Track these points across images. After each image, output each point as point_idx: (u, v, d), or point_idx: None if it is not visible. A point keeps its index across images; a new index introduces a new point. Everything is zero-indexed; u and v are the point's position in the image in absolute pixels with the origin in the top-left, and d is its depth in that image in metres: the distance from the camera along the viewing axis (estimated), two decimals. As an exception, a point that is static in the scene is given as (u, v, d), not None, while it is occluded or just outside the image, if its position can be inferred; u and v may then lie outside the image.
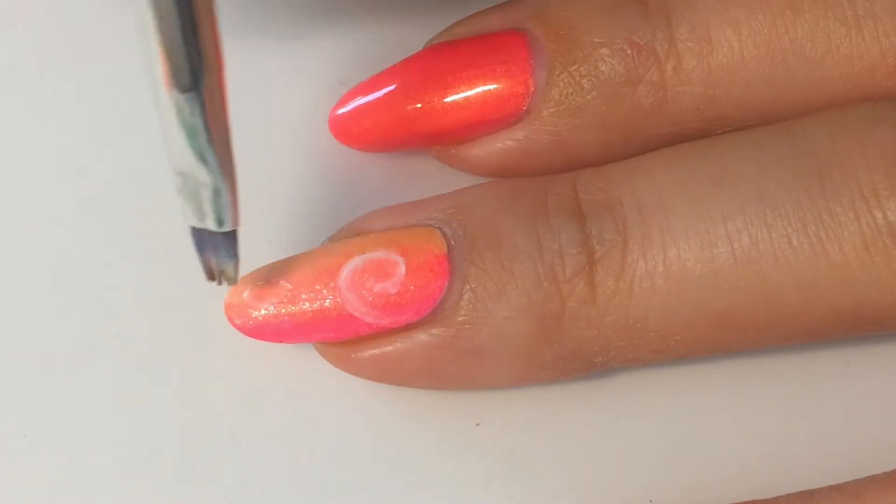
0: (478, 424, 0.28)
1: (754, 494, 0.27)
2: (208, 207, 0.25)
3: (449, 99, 0.28)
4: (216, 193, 0.24)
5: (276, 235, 0.29)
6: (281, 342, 0.27)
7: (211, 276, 0.26)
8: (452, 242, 0.26)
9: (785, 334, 0.27)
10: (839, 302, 0.25)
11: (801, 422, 0.28)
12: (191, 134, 0.23)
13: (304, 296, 0.26)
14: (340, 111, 0.29)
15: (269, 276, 0.27)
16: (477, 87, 0.28)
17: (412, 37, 0.30)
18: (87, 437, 0.28)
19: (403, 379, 0.27)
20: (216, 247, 0.26)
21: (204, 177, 0.24)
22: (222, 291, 0.27)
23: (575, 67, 0.27)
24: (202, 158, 0.23)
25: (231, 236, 0.26)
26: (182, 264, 0.29)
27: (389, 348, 0.27)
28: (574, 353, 0.26)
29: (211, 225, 0.25)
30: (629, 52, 0.27)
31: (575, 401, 0.28)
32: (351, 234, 0.27)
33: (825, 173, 0.25)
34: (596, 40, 0.27)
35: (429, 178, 0.29)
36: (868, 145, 0.25)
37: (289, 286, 0.26)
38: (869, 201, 0.25)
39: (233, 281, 0.26)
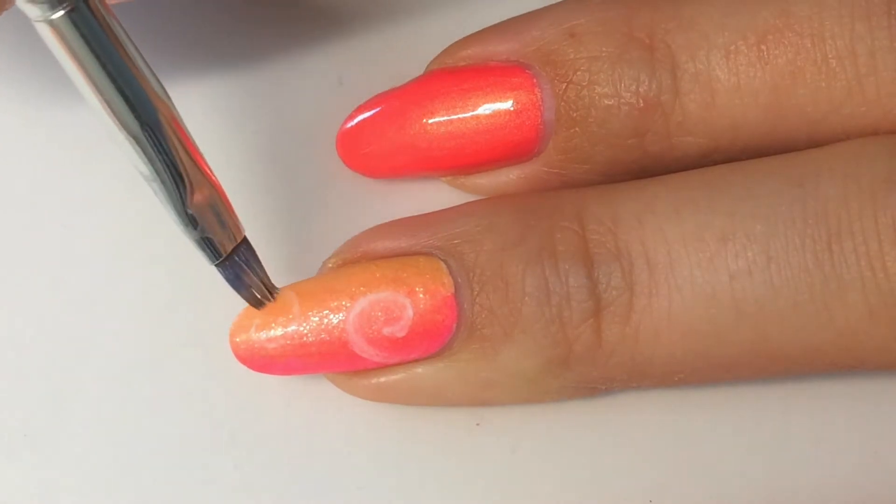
0: (478, 424, 0.28)
1: (754, 495, 0.27)
2: (224, 221, 0.25)
3: (457, 143, 0.28)
4: (223, 203, 0.25)
5: (276, 234, 0.29)
6: (287, 375, 0.27)
7: (257, 300, 0.26)
8: (459, 280, 0.26)
9: (785, 375, 0.27)
10: (841, 361, 0.26)
11: (800, 422, 0.28)
12: (169, 160, 0.24)
13: (310, 337, 0.26)
14: (348, 125, 0.29)
15: (274, 312, 0.27)
16: (486, 131, 0.27)
17: (412, 36, 0.30)
18: (87, 436, 0.28)
19: (409, 402, 0.28)
20: (248, 262, 0.26)
21: (209, 189, 0.25)
22: (222, 291, 0.27)
23: (584, 119, 0.27)
24: (196, 177, 0.25)
25: (246, 244, 0.26)
26: (182, 265, 0.29)
27: (396, 378, 0.27)
28: (578, 384, 0.27)
29: (237, 236, 0.26)
30: (637, 105, 0.27)
31: (575, 401, 0.28)
32: (353, 252, 0.27)
33: (835, 239, 0.25)
34: (604, 91, 0.27)
35: (431, 181, 0.29)
36: (880, 213, 0.25)
37: (294, 326, 0.26)
38: (877, 272, 0.25)
39: (274, 289, 0.26)
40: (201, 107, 0.30)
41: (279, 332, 0.26)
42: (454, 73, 0.28)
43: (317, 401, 0.28)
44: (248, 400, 0.28)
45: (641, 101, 0.27)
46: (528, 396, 0.27)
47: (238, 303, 0.27)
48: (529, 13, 0.28)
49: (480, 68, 0.28)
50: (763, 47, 0.26)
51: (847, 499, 0.27)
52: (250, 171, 0.29)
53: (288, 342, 0.26)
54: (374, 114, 0.28)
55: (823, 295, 0.25)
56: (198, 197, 0.25)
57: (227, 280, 0.26)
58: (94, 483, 0.28)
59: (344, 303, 0.26)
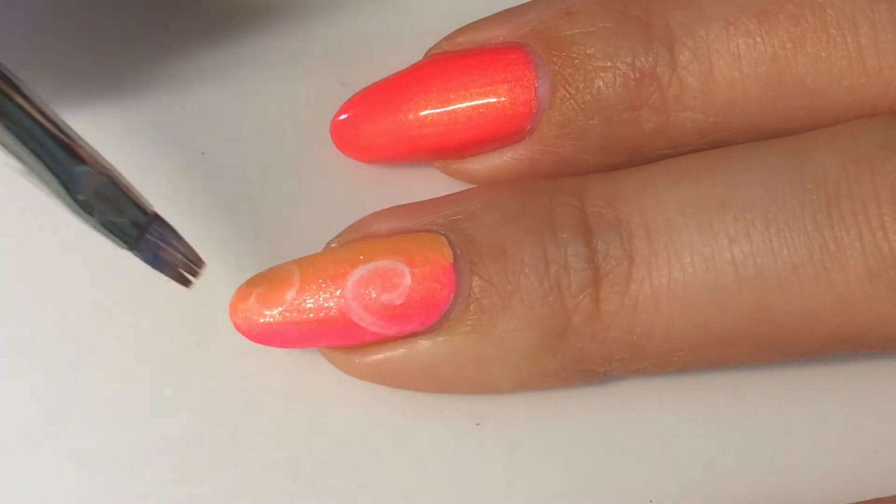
0: (478, 424, 0.28)
1: (754, 494, 0.27)
2: (126, 200, 0.24)
3: (451, 118, 0.28)
4: (118, 181, 0.24)
5: (277, 235, 0.29)
6: (286, 348, 0.27)
7: (183, 278, 0.25)
8: (458, 251, 0.26)
9: (786, 354, 0.27)
10: (842, 330, 0.26)
11: (800, 420, 0.28)
12: (41, 150, 0.23)
13: (309, 304, 0.26)
14: (341, 117, 0.29)
15: (274, 281, 0.27)
16: (480, 106, 0.28)
17: (412, 36, 0.30)
18: (87, 436, 0.28)
19: (407, 384, 0.27)
20: (164, 239, 0.25)
21: (97, 170, 0.23)
22: (223, 291, 0.27)
23: (578, 92, 0.27)
24: (78, 160, 0.23)
25: (158, 219, 0.25)
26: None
27: (394, 354, 0.27)
28: (577, 363, 0.27)
29: (146, 213, 0.24)
30: (632, 77, 0.27)
31: (575, 400, 0.28)
32: (356, 234, 0.27)
33: (833, 203, 0.25)
34: (599, 64, 0.27)
35: (431, 175, 0.29)
36: (878, 176, 0.25)
37: (294, 294, 0.26)
38: (875, 233, 0.25)
39: (200, 261, 0.26)
40: (202, 106, 0.30)
41: (279, 301, 0.26)
42: (450, 55, 0.28)
43: (317, 401, 0.28)
44: (248, 400, 0.28)
45: (637, 73, 0.27)
46: (525, 377, 0.27)
47: (238, 302, 0.27)
48: (527, 2, 0.28)
49: (476, 49, 0.28)
50: (763, 18, 0.26)
51: (847, 498, 0.27)
52: (253, 169, 0.29)
53: (288, 312, 0.26)
54: (370, 97, 0.28)
55: (822, 258, 0.25)
56: (86, 181, 0.23)
57: (147, 262, 0.24)
58: (94, 483, 0.28)
59: (343, 270, 0.26)
